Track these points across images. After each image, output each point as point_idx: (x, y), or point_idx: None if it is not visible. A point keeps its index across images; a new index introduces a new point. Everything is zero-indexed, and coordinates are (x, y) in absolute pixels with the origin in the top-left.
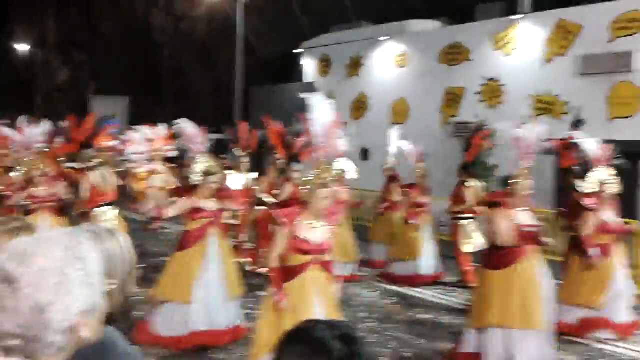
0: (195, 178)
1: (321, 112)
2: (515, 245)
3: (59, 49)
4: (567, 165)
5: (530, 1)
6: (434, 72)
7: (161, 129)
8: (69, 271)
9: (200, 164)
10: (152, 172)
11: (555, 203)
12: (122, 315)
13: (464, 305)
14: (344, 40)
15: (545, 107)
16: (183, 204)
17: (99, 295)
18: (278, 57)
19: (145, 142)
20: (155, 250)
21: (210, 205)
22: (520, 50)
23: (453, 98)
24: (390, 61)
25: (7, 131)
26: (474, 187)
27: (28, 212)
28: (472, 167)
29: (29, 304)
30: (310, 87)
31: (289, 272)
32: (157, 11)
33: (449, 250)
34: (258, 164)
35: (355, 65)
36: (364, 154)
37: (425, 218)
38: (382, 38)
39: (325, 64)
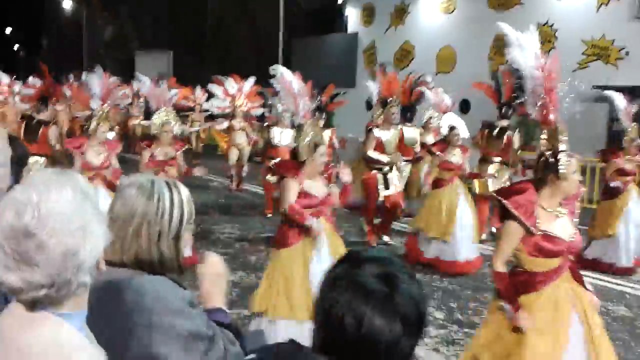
0: (304, 153)
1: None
2: None
3: (104, 5)
4: None
5: None
6: (482, 17)
7: (247, 84)
8: (85, 210)
9: (305, 133)
10: (231, 129)
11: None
12: (175, 265)
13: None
14: None
15: (599, 52)
16: (287, 183)
17: (106, 227)
18: (321, 7)
19: (227, 96)
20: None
21: (318, 189)
22: None
23: (503, 45)
24: (437, 7)
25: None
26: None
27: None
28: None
29: (60, 250)
30: (354, 38)
31: (528, 282)
32: None
33: None
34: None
35: (399, 13)
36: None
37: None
38: None
39: (369, 13)
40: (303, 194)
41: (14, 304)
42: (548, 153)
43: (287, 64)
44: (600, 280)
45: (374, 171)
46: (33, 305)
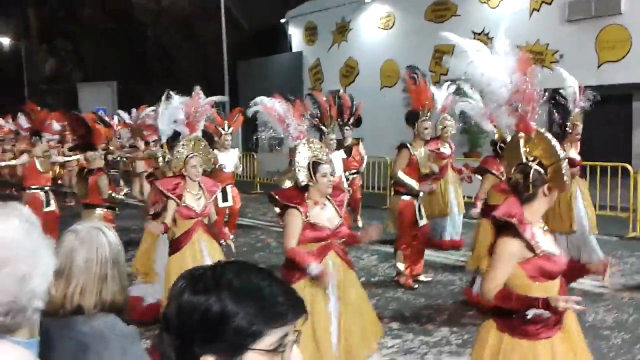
0: (302, 177)
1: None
2: None
3: (43, 39)
4: None
5: None
6: (421, 30)
7: (147, 111)
8: (34, 237)
9: (300, 154)
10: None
11: None
12: (122, 305)
13: (460, 262)
14: (329, 6)
15: (535, 56)
16: (288, 217)
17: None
18: (264, 28)
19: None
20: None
21: (328, 218)
22: (506, 1)
23: (442, 56)
24: (376, 23)
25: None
26: None
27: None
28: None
29: (14, 277)
30: (298, 57)
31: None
32: None
33: None
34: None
35: (341, 31)
36: None
37: None
38: (366, 0)
39: (311, 32)
40: (309, 226)
41: None
42: (536, 164)
43: (234, 86)
44: None
45: (408, 197)
46: None
